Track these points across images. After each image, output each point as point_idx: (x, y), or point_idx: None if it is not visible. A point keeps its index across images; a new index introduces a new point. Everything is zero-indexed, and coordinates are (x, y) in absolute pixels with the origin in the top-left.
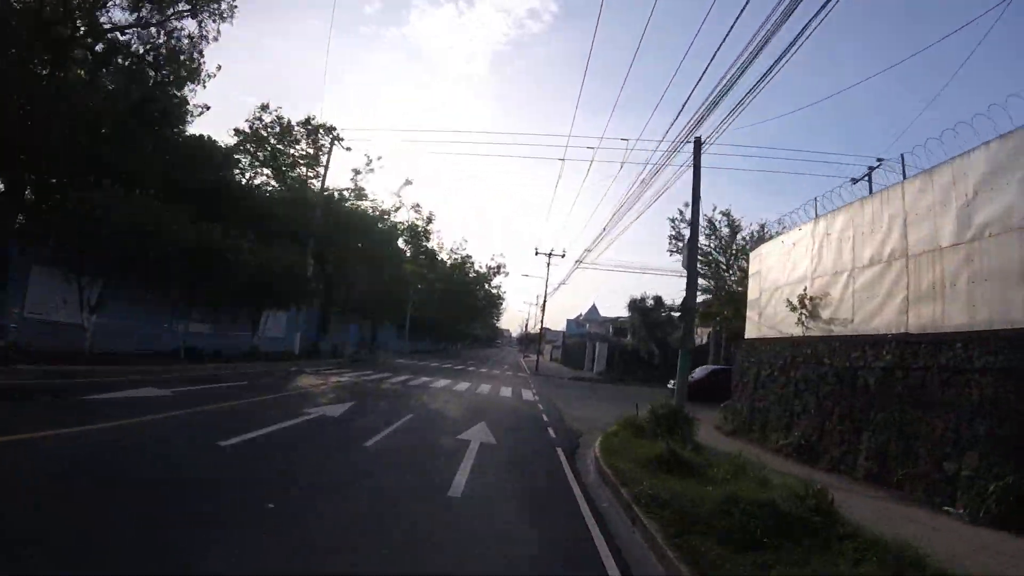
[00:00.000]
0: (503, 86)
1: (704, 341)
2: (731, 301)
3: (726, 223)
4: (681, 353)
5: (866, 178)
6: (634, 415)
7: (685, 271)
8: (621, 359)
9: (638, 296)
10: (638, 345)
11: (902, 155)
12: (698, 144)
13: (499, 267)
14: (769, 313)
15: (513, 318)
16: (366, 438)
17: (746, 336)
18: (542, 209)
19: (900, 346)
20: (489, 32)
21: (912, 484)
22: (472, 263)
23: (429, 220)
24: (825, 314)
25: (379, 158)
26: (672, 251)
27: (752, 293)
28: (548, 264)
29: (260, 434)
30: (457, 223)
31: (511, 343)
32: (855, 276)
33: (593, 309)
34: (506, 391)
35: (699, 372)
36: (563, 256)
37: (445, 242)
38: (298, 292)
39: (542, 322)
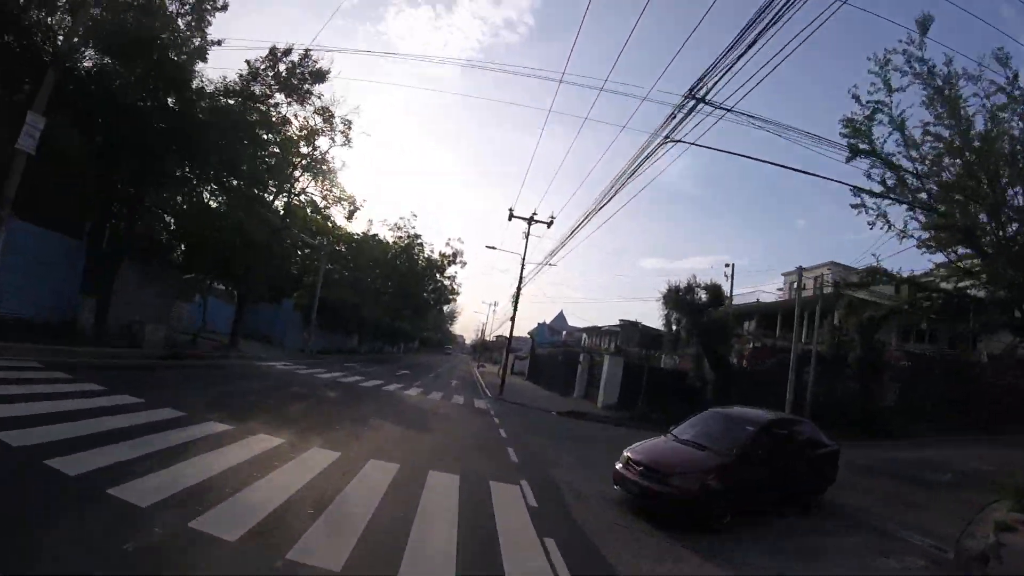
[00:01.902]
0: (473, 93)
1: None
2: None
3: None
4: None
5: None
6: None
7: None
8: (651, 385)
9: (680, 283)
10: (678, 364)
11: None
12: None
13: (455, 254)
14: None
15: (468, 323)
16: None
17: None
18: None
19: None
20: (464, 38)
21: None
22: (421, 245)
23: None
24: None
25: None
26: None
27: None
28: (527, 232)
29: None
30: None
31: (463, 350)
32: None
33: (560, 317)
34: (444, 475)
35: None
36: (549, 224)
37: (387, 215)
38: None
39: (514, 318)
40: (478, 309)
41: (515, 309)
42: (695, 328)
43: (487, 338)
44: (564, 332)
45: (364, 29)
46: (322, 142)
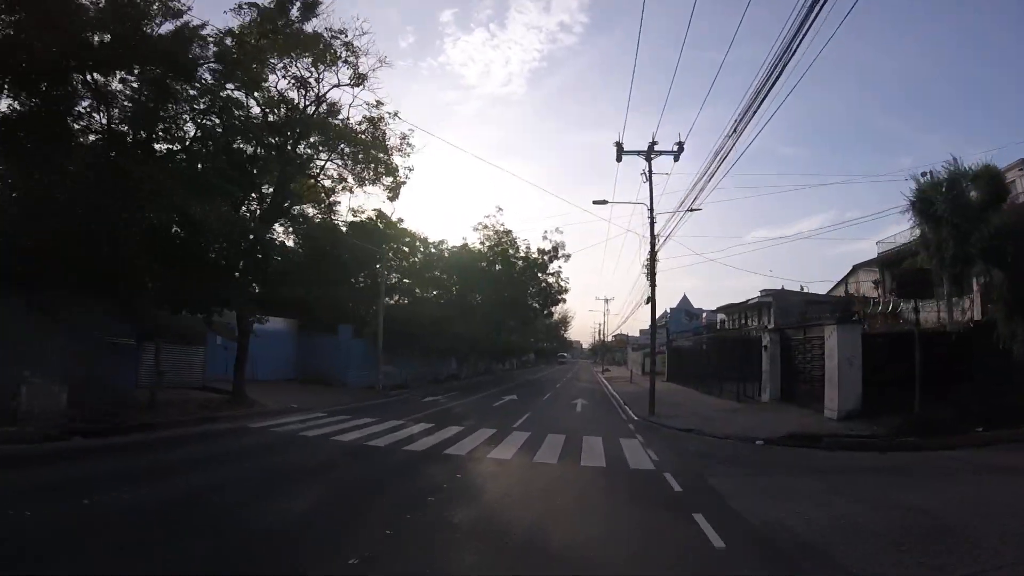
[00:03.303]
0: (543, 103)
1: None
2: None
3: None
4: None
5: None
6: None
7: None
8: (927, 365)
9: (936, 174)
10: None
11: None
12: None
13: (555, 248)
14: None
15: (583, 327)
16: None
17: None
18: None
19: None
20: (523, 50)
21: None
22: (514, 242)
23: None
24: None
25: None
26: None
27: None
28: (648, 169)
29: None
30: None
31: (582, 355)
32: None
33: (685, 301)
34: None
35: None
36: (677, 155)
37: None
38: None
39: (653, 295)
40: (593, 307)
41: (652, 279)
42: (992, 247)
43: (606, 338)
44: (704, 314)
45: (427, 64)
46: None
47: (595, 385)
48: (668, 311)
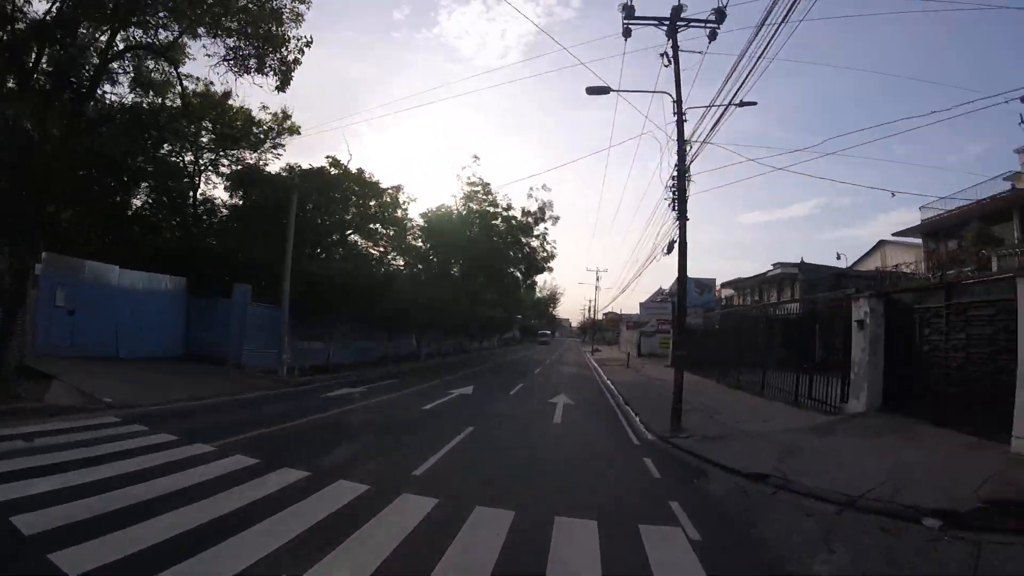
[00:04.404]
0: (542, 75)
1: None
2: None
3: None
4: None
5: None
6: None
7: None
8: None
9: None
10: None
11: None
12: None
13: (542, 209)
14: None
15: (572, 306)
16: None
17: None
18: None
19: None
20: (520, 23)
21: None
22: (493, 198)
23: None
24: None
25: None
26: None
27: None
28: (673, 45)
29: None
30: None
31: (570, 333)
32: None
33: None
34: None
35: None
36: (716, 28)
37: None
38: None
39: (682, 226)
40: (584, 279)
41: (682, 206)
42: None
43: (596, 316)
44: (719, 286)
45: (422, 36)
46: None
47: (584, 370)
48: (663, 288)
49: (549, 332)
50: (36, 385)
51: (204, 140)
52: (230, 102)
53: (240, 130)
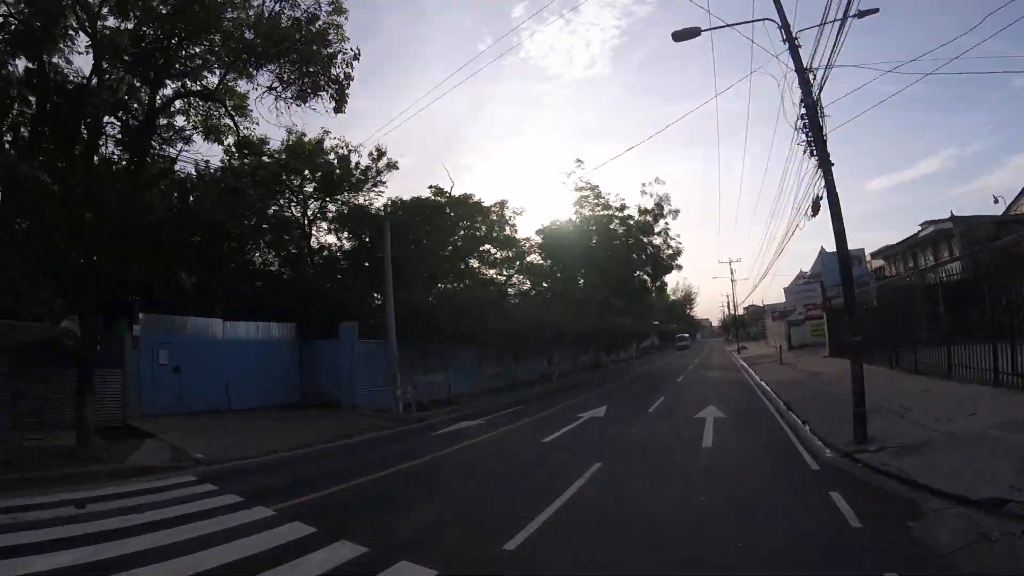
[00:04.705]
0: (632, 79)
1: None
2: None
3: None
4: None
5: None
6: None
7: None
8: None
9: None
10: None
11: None
12: None
13: (660, 205)
14: None
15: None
16: None
17: None
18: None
19: None
20: (601, 30)
21: None
22: (605, 200)
23: None
24: None
25: None
26: None
27: None
28: None
29: None
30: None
31: (711, 334)
32: None
33: (823, 255)
34: None
35: None
36: None
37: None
38: None
39: (827, 170)
40: (716, 273)
41: (822, 149)
42: None
43: (736, 311)
44: (868, 257)
45: (509, 62)
46: None
47: (732, 372)
48: (803, 271)
49: (687, 335)
50: (128, 445)
51: (308, 189)
52: (325, 144)
53: (339, 175)
